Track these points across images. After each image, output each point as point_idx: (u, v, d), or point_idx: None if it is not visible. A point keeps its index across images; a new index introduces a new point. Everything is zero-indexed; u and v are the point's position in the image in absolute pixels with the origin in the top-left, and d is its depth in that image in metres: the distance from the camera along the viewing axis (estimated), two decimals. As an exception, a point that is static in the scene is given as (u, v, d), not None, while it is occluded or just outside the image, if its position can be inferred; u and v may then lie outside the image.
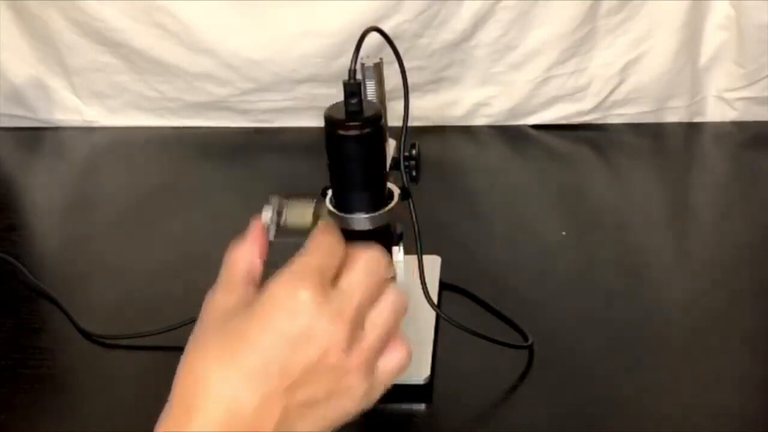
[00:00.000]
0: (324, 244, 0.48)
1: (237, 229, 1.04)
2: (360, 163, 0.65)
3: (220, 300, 0.49)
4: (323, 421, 0.46)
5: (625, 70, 1.12)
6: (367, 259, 0.48)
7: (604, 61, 1.12)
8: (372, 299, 0.47)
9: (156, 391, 0.75)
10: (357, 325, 0.46)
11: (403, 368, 0.48)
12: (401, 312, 0.48)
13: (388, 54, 0.71)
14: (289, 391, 0.45)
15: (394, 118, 0.74)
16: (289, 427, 0.45)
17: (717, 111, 1.15)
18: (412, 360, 0.49)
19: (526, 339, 0.77)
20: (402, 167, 0.72)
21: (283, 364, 0.44)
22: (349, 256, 0.48)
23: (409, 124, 0.73)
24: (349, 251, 0.48)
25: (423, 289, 0.73)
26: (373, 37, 0.66)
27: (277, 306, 0.45)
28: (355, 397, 0.47)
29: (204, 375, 0.46)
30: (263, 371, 0.44)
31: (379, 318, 0.47)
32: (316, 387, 0.45)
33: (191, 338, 0.48)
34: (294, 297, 0.45)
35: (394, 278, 0.52)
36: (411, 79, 0.73)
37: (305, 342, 0.45)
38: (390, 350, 0.48)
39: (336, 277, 0.47)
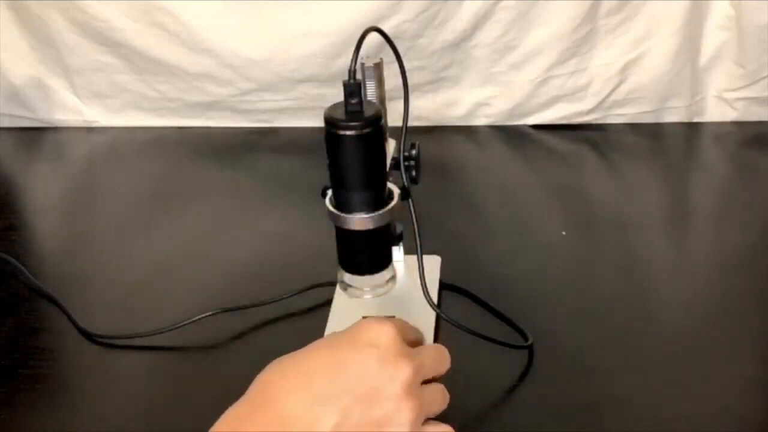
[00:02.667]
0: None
1: (236, 229, 1.05)
2: (360, 163, 0.65)
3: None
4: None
5: (625, 70, 1.12)
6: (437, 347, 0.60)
7: (604, 61, 1.12)
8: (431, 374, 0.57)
9: (155, 391, 0.76)
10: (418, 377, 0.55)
11: None
12: (446, 399, 0.59)
13: (388, 54, 0.71)
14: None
15: (394, 118, 0.74)
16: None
17: (717, 111, 1.15)
18: None
19: (526, 339, 0.77)
20: (402, 167, 0.72)
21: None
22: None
23: (409, 124, 0.73)
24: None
25: (423, 289, 0.73)
26: (373, 37, 0.66)
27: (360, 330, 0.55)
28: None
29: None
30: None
31: (433, 386, 0.57)
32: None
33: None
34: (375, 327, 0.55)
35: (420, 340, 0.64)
36: (411, 79, 0.73)
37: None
38: (438, 423, 0.57)
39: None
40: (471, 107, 1.17)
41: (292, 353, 0.56)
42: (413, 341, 0.60)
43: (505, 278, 0.87)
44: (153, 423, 0.72)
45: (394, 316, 0.76)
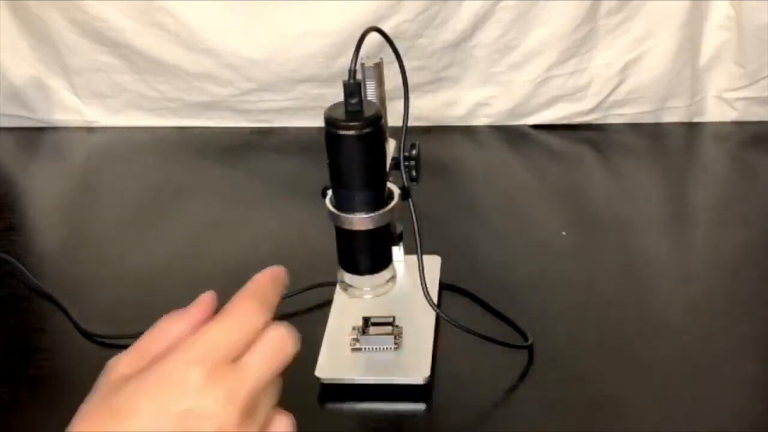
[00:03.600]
0: (237, 315, 0.46)
1: (236, 229, 1.04)
2: (360, 162, 0.65)
3: (123, 368, 0.48)
4: None
5: (625, 70, 1.12)
6: (270, 337, 0.45)
7: (604, 61, 1.12)
8: (269, 381, 0.45)
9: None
10: (249, 410, 0.44)
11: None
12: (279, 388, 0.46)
13: (388, 54, 0.71)
14: None
15: (394, 118, 0.74)
16: None
17: (717, 111, 1.15)
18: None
19: (526, 339, 0.77)
20: (402, 167, 0.72)
21: None
22: (259, 332, 0.45)
23: (409, 124, 0.73)
24: (262, 324, 0.45)
25: (423, 289, 0.73)
26: (373, 37, 0.66)
27: (166, 381, 0.43)
28: None
29: None
30: None
31: (270, 400, 0.46)
32: None
33: (82, 404, 0.47)
34: (184, 374, 0.43)
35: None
36: (411, 79, 0.73)
37: (190, 422, 0.42)
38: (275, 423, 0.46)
39: (241, 353, 0.44)
40: (471, 107, 1.17)
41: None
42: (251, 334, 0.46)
43: (505, 278, 0.87)
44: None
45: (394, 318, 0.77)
